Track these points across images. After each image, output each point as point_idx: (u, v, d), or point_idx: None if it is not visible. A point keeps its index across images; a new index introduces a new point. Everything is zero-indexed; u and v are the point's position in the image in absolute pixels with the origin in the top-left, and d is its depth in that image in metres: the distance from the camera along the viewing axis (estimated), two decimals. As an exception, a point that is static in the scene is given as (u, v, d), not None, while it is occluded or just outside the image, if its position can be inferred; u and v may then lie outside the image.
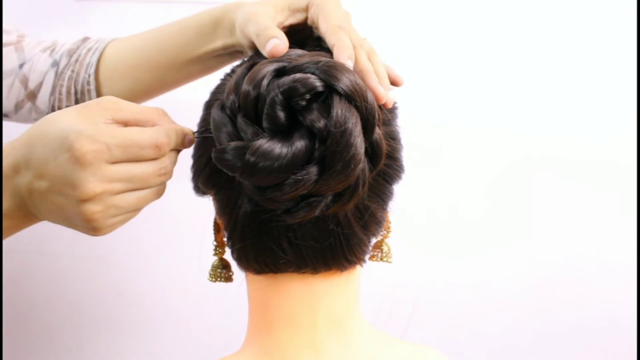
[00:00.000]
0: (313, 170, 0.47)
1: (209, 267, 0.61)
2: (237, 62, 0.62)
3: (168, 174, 0.54)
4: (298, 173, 0.47)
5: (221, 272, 0.60)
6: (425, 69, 1.11)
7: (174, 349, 1.16)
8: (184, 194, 1.12)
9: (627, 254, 1.15)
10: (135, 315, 1.15)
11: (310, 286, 0.56)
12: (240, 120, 0.49)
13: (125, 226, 1.13)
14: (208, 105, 0.59)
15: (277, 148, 0.47)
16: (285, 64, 0.49)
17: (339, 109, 0.47)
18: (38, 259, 1.13)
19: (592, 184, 1.14)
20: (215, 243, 0.60)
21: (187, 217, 1.09)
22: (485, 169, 1.13)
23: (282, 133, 0.48)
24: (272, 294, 0.57)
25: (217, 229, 0.59)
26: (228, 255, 0.59)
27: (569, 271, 1.17)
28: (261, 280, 0.57)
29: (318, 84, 0.47)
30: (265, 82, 0.48)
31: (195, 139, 0.57)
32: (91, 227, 0.51)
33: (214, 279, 0.61)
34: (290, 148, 0.47)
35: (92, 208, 0.49)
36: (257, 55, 0.59)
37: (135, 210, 0.53)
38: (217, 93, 0.59)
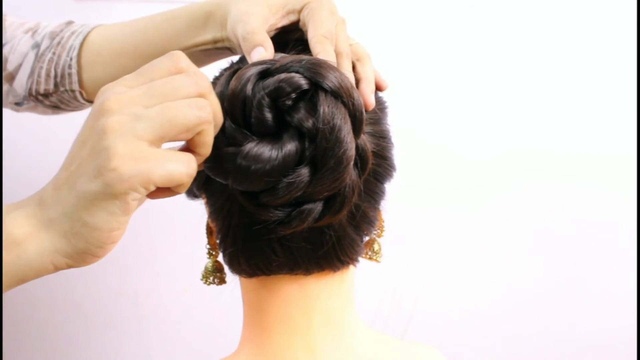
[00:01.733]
0: (305, 171, 0.47)
1: (203, 268, 0.60)
2: (226, 66, 0.61)
3: (200, 87, 0.43)
4: (290, 175, 0.47)
5: (214, 274, 0.60)
6: (425, 71, 1.11)
7: (174, 349, 1.16)
8: (183, 194, 1.11)
9: (628, 257, 1.15)
10: (135, 315, 1.15)
11: (303, 287, 0.55)
12: (228, 125, 0.48)
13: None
14: None
15: (267, 151, 0.46)
16: (269, 65, 0.49)
17: (326, 105, 0.47)
18: (38, 259, 1.13)
19: (593, 190, 1.14)
20: (208, 246, 0.60)
21: (187, 218, 1.09)
22: (486, 170, 1.13)
23: (271, 135, 0.48)
24: (265, 296, 0.56)
25: (209, 232, 0.59)
26: (221, 257, 0.59)
27: (569, 273, 1.16)
28: (254, 282, 0.57)
29: (303, 82, 0.47)
30: (250, 85, 0.47)
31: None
32: (110, 148, 0.40)
33: (206, 282, 0.60)
34: (280, 150, 0.46)
35: (111, 119, 0.41)
36: (241, 61, 0.59)
37: (163, 123, 0.41)
38: None
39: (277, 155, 0.46)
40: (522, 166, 1.14)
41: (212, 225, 0.57)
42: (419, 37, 1.11)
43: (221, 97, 0.49)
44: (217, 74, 0.60)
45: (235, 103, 0.48)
